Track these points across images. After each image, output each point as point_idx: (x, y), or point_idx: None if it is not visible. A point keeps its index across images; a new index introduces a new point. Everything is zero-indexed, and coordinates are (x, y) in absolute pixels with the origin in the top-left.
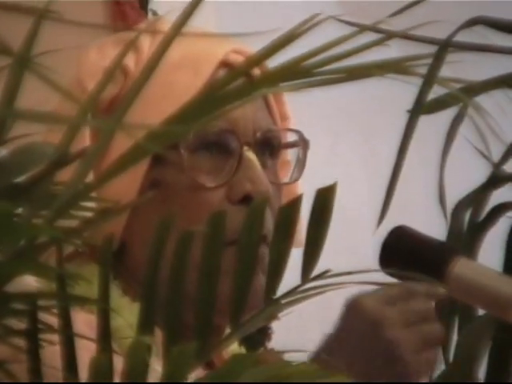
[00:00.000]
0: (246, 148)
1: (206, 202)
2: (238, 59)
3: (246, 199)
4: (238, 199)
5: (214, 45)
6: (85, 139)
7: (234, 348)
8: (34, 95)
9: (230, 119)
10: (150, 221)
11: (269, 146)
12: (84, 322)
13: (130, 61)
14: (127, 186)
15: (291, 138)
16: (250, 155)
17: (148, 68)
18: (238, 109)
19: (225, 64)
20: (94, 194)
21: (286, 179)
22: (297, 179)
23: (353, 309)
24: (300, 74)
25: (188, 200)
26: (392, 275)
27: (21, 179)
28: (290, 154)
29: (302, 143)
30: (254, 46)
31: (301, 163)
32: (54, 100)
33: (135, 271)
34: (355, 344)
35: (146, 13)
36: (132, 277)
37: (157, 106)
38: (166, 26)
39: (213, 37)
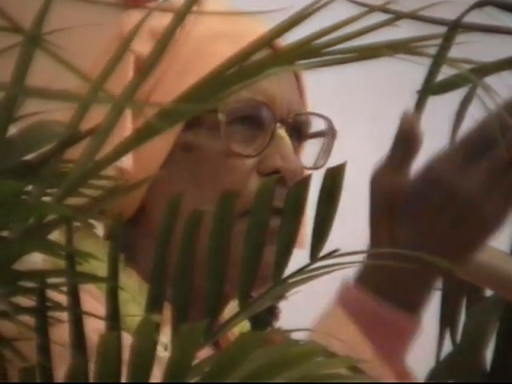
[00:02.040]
0: (279, 125)
1: (236, 169)
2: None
3: (275, 174)
4: (267, 172)
5: (254, 22)
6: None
7: (242, 324)
8: (45, 74)
9: (267, 94)
10: (176, 184)
11: (299, 130)
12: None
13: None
14: (158, 148)
15: (320, 125)
16: (283, 133)
17: (162, 41)
18: (276, 87)
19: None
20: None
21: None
22: (321, 166)
23: (427, 176)
24: (310, 53)
25: (219, 166)
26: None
27: (30, 157)
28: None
29: (331, 132)
30: (266, 25)
31: (327, 152)
32: (67, 77)
33: (150, 239)
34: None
35: None
36: (146, 251)
37: (196, 73)
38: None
39: (226, 14)
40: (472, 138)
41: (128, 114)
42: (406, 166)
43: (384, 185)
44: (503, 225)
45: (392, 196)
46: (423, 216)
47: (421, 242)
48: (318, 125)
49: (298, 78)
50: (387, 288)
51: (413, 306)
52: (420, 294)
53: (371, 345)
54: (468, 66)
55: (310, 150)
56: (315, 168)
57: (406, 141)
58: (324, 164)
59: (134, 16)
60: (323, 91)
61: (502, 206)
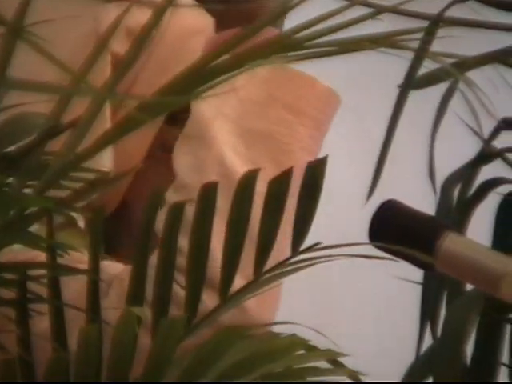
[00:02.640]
0: None
1: None
2: None
3: None
4: None
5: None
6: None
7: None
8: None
9: None
10: (155, 181)
11: None
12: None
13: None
14: (138, 148)
15: None
16: None
17: (144, 33)
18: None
19: None
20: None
21: None
22: None
23: None
24: (291, 47)
25: None
26: (381, 248)
27: (11, 149)
28: None
29: None
30: None
31: None
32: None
33: (130, 232)
34: None
35: None
36: (127, 242)
37: (173, 69)
38: None
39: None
40: None
41: (108, 109)
42: None
43: None
44: None
45: None
46: None
47: None
48: None
49: None
50: None
51: None
52: None
53: None
54: (450, 61)
55: None
56: None
57: None
58: None
59: (110, 10)
60: None
61: None
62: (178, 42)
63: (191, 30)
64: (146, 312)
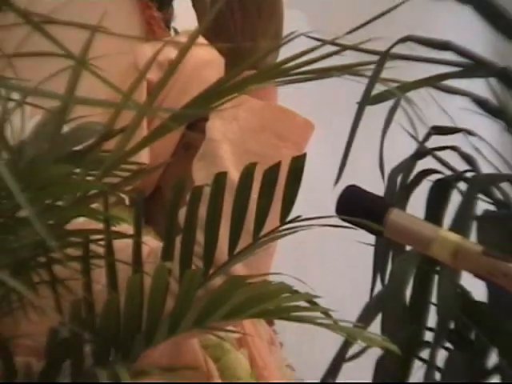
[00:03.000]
0: None
1: None
2: None
3: None
4: None
5: None
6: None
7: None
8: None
9: None
10: (178, 173)
11: None
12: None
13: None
14: (167, 146)
15: None
16: None
17: (172, 65)
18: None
19: None
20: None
21: None
22: None
23: None
24: (280, 74)
25: None
26: (345, 220)
27: (78, 148)
28: None
29: None
30: None
31: None
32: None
33: (163, 211)
34: None
35: (169, 29)
36: (161, 216)
37: (192, 91)
38: (184, 38)
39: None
40: None
41: (145, 120)
42: None
43: None
44: None
45: None
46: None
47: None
48: None
49: None
50: None
51: None
52: None
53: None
54: (394, 84)
55: None
56: None
57: None
58: None
59: (145, 48)
60: (288, 102)
61: None
62: (196, 70)
63: (205, 62)
64: (174, 266)
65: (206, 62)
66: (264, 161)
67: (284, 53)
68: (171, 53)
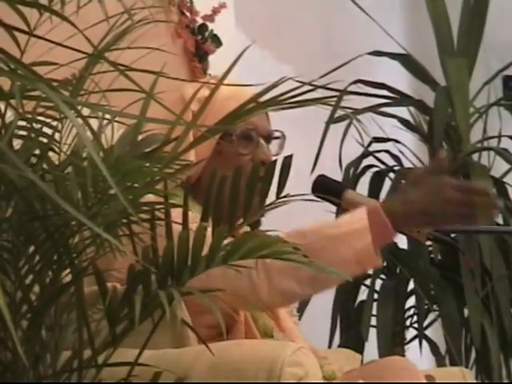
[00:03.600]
0: (261, 138)
1: (240, 160)
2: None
3: (261, 163)
4: (256, 162)
5: (246, 90)
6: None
7: (245, 228)
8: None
9: (254, 123)
10: (212, 168)
11: (269, 138)
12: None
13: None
14: (206, 150)
15: (277, 133)
16: (262, 141)
17: (207, 99)
18: (258, 119)
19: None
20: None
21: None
22: (279, 154)
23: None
24: (277, 103)
25: (233, 160)
26: (318, 197)
27: (148, 150)
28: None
29: (283, 137)
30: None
31: (282, 146)
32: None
33: (202, 191)
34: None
35: (205, 73)
36: (201, 194)
37: (218, 115)
38: (216, 79)
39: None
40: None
41: (191, 133)
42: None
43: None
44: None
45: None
46: (420, 198)
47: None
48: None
49: (267, 114)
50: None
51: (396, 226)
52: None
53: (368, 223)
54: (349, 110)
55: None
56: (276, 155)
57: (439, 160)
58: (280, 153)
59: (188, 87)
60: (283, 122)
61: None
62: (222, 101)
63: (228, 96)
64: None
65: (229, 97)
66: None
67: (278, 90)
68: (206, 92)
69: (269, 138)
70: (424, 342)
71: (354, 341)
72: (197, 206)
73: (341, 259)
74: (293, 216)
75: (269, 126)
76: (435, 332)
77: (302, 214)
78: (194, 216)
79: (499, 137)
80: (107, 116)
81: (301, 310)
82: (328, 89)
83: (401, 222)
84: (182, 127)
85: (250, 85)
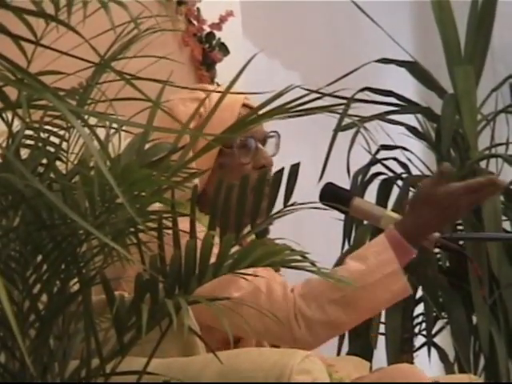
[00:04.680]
0: (259, 144)
1: (243, 170)
2: (247, 102)
3: (263, 167)
4: (258, 167)
5: (237, 96)
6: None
7: (252, 237)
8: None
9: (250, 131)
10: (217, 180)
11: (265, 140)
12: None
13: (202, 108)
14: (207, 163)
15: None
16: (261, 146)
17: (213, 108)
18: (256, 127)
19: (243, 105)
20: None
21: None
22: (276, 153)
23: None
24: (284, 111)
25: (236, 171)
26: (326, 205)
27: (155, 158)
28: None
29: (278, 136)
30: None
31: (278, 146)
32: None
33: (209, 202)
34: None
35: (213, 81)
36: (207, 205)
37: (217, 127)
38: (221, 88)
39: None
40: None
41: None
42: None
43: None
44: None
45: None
46: (435, 215)
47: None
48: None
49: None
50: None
51: (416, 246)
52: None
53: (394, 255)
54: (356, 118)
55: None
56: (273, 155)
57: (443, 173)
58: (277, 152)
59: (180, 107)
60: (290, 130)
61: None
62: (222, 112)
63: (230, 103)
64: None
65: (223, 107)
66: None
67: (286, 98)
68: (213, 100)
69: (265, 140)
70: (433, 350)
71: (362, 348)
72: (203, 217)
73: (380, 304)
74: (302, 224)
75: (263, 129)
76: (444, 339)
77: (310, 222)
78: (201, 227)
79: (507, 144)
80: (114, 125)
81: None
82: (335, 97)
83: (420, 242)
84: (184, 138)
85: (258, 93)
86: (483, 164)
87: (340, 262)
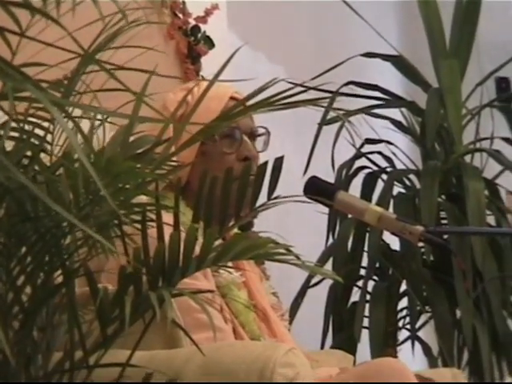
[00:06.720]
0: (244, 136)
1: (226, 160)
2: (237, 96)
3: (246, 159)
4: (241, 159)
5: (227, 88)
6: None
7: (235, 231)
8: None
9: (238, 123)
10: (201, 170)
11: (253, 135)
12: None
13: (189, 97)
14: (191, 153)
15: (261, 130)
16: (246, 139)
17: (197, 100)
18: (243, 119)
19: (231, 97)
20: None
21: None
22: (264, 150)
23: None
24: (269, 104)
25: (218, 160)
26: (310, 198)
27: (139, 151)
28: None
29: (267, 133)
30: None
31: (267, 143)
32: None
33: (193, 194)
34: None
35: (198, 74)
36: (191, 197)
37: (203, 116)
38: (205, 83)
39: (224, 85)
40: None
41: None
42: None
43: None
44: None
45: None
46: None
47: None
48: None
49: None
50: None
51: None
52: None
53: None
54: (341, 112)
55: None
56: (262, 151)
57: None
58: (266, 149)
59: (170, 96)
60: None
61: None
62: (205, 101)
63: (210, 96)
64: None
65: (210, 97)
66: None
67: (270, 91)
68: (189, 95)
69: (252, 135)
70: (416, 343)
71: (346, 342)
72: (187, 209)
73: None
74: (286, 216)
75: (252, 124)
76: (427, 333)
77: (294, 215)
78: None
79: (491, 138)
80: (99, 116)
81: (293, 313)
82: (320, 90)
83: None
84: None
85: (241, 81)
86: (468, 158)
87: (324, 257)
